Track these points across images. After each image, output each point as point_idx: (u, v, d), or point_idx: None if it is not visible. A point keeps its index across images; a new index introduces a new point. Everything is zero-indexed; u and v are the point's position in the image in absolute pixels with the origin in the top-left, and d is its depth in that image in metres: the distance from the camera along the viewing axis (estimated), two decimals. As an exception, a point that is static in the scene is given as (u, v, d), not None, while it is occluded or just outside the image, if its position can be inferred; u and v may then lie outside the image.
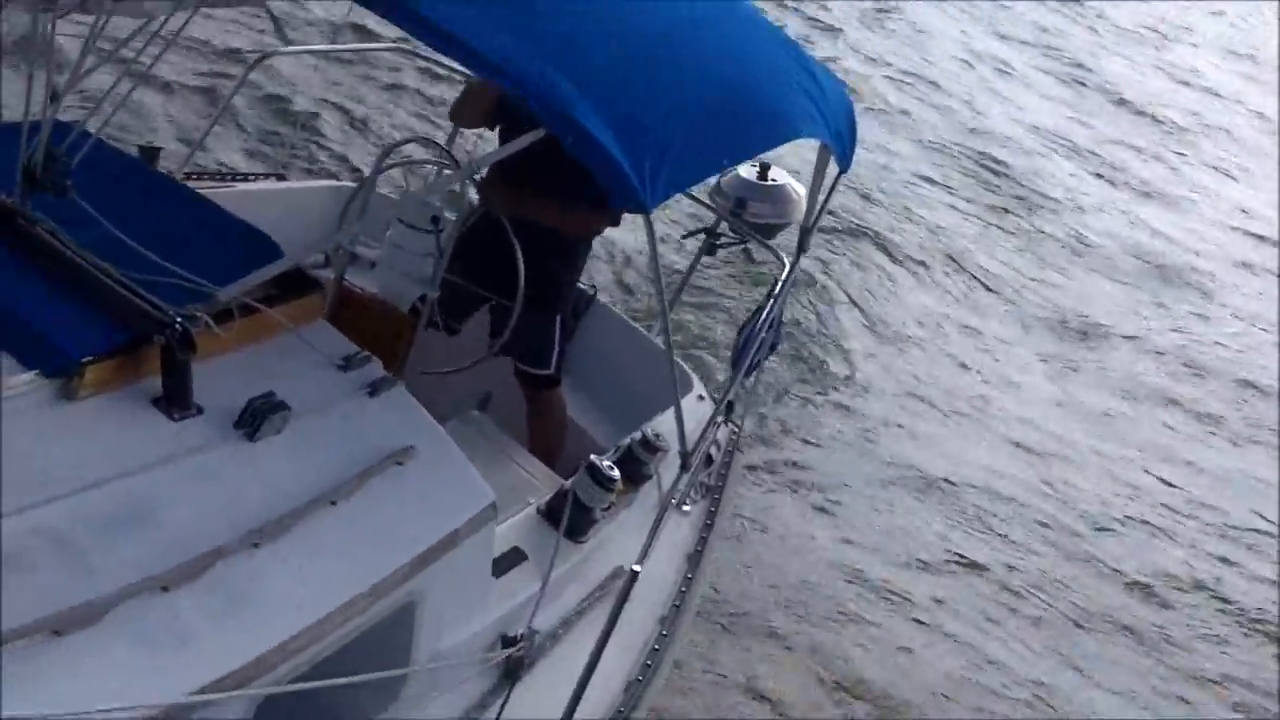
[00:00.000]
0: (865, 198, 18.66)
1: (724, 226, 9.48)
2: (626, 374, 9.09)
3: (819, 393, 14.27)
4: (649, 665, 7.26)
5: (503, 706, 6.10)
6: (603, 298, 9.71)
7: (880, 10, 26.20)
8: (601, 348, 9.29)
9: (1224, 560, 14.04)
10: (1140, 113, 26.55)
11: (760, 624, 10.87)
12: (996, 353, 16.61)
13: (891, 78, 23.41)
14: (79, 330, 5.13)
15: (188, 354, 5.17)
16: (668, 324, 7.04)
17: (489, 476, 6.14)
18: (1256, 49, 33.99)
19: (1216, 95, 29.45)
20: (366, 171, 9.60)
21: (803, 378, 14.36)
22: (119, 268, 5.29)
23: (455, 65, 8.43)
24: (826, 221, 16.05)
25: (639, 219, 6.07)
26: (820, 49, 22.32)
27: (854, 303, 16.14)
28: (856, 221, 17.93)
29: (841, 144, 7.95)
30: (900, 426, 14.29)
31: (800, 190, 9.17)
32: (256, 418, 5.27)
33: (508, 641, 6.27)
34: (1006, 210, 20.40)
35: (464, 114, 8.36)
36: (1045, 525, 13.56)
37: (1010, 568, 12.73)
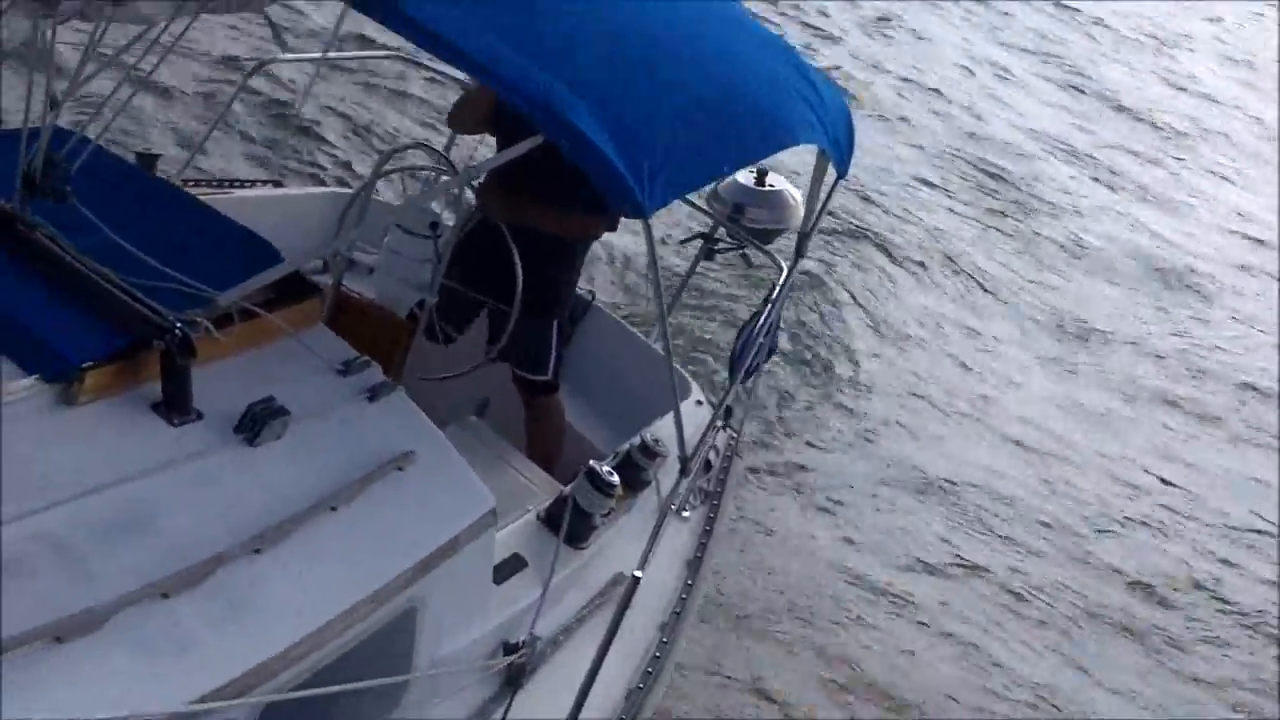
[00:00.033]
0: (866, 200, 18.69)
1: (722, 232, 9.48)
2: (624, 379, 9.09)
3: (821, 394, 14.32)
4: (650, 672, 7.26)
5: (505, 714, 6.11)
6: (600, 302, 9.70)
7: (881, 18, 26.22)
8: (599, 353, 9.29)
9: (1224, 561, 14.09)
10: (1139, 118, 26.58)
11: (764, 625, 10.91)
12: (996, 354, 16.65)
13: (892, 84, 23.42)
14: (79, 335, 5.12)
15: (187, 359, 5.16)
16: (666, 328, 7.03)
17: (487, 483, 6.12)
18: (1253, 55, 34.03)
19: (1214, 101, 29.48)
20: (364, 177, 9.58)
21: (804, 379, 14.39)
22: (119, 273, 5.27)
23: (453, 71, 8.45)
24: (829, 224, 16.29)
25: (635, 224, 6.07)
26: (822, 56, 22.40)
27: (855, 304, 16.16)
28: (858, 224, 17.96)
29: (839, 150, 7.95)
30: (901, 427, 14.33)
31: (797, 196, 9.18)
32: (257, 423, 5.26)
33: (509, 648, 6.27)
34: (1005, 214, 20.42)
35: (462, 120, 8.37)
36: (1046, 525, 13.61)
37: (1012, 569, 12.77)
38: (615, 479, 7.04)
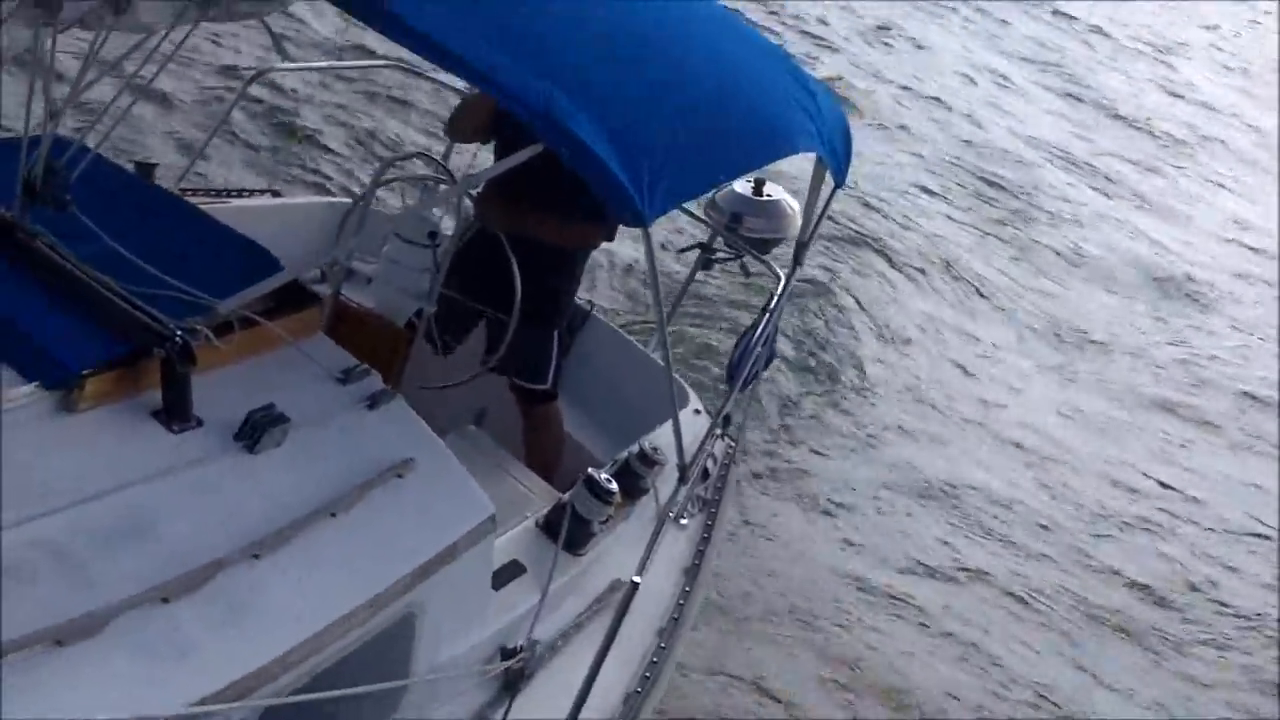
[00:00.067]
0: (867, 207, 18.82)
1: (719, 241, 9.49)
2: (622, 388, 9.10)
3: (821, 398, 14.39)
4: (647, 677, 7.26)
5: (503, 718, 6.12)
6: (599, 311, 9.72)
7: (881, 27, 26.34)
8: (597, 362, 9.30)
9: (1222, 564, 14.16)
10: (1136, 126, 26.71)
11: (767, 627, 10.99)
12: (996, 360, 16.72)
13: (892, 93, 23.51)
14: (79, 343, 5.13)
15: (188, 367, 5.16)
16: (666, 337, 7.05)
17: (486, 492, 6.13)
18: (1250, 62, 34.16)
19: (1211, 108, 29.62)
20: (364, 186, 9.59)
21: (805, 384, 14.47)
22: (119, 281, 5.28)
23: (453, 80, 8.46)
24: (831, 230, 16.47)
25: (634, 232, 6.09)
26: (822, 65, 22.50)
27: (857, 310, 16.26)
28: (860, 231, 18.09)
29: (837, 159, 7.97)
30: (902, 432, 14.41)
31: (795, 205, 9.20)
32: (256, 430, 5.27)
33: (507, 654, 6.29)
34: (1005, 221, 20.55)
35: (460, 128, 8.36)
36: (1045, 528, 13.67)
37: (1011, 571, 12.83)
38: (614, 486, 7.06)
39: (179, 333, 5.17)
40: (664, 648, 7.52)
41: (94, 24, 5.10)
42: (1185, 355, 18.39)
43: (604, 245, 8.76)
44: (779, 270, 8.79)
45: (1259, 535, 14.82)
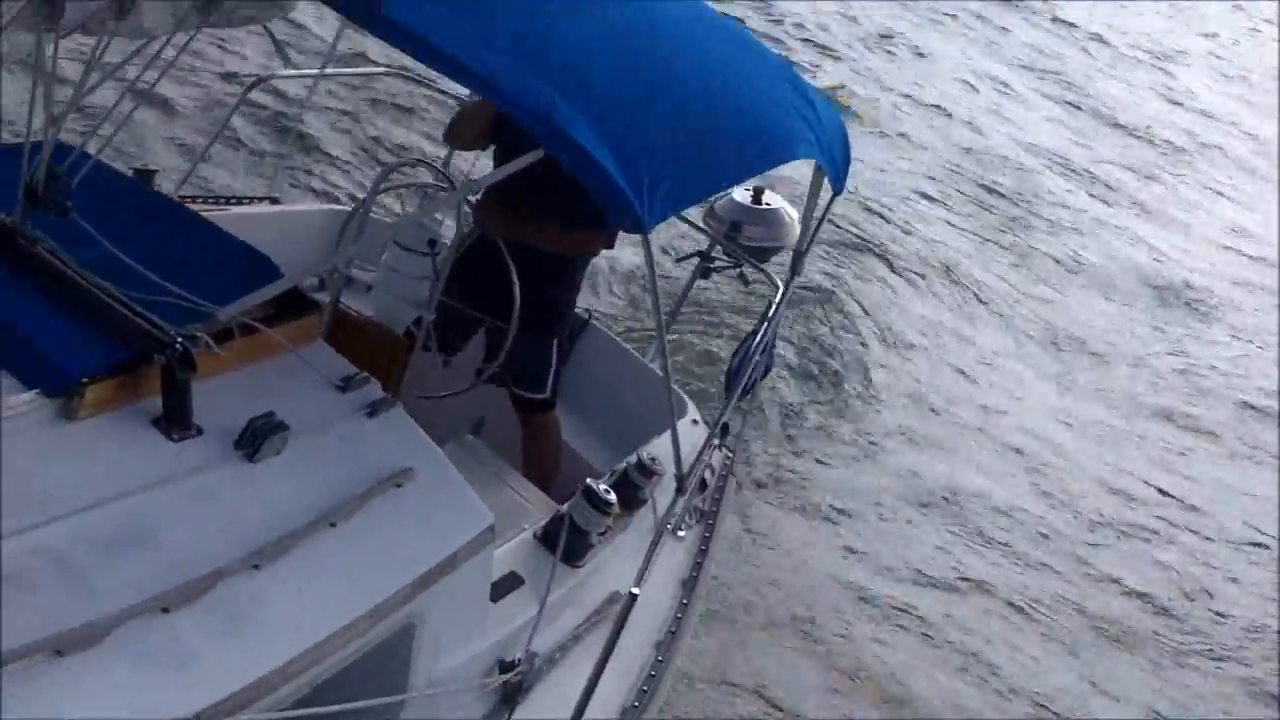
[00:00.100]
0: (869, 214, 18.91)
1: (718, 250, 9.49)
2: (621, 398, 9.09)
3: (823, 406, 14.44)
4: (645, 690, 7.25)
5: None
6: (597, 319, 9.71)
7: (883, 35, 26.43)
8: (596, 372, 9.29)
9: (1221, 573, 14.20)
10: (1136, 134, 26.76)
11: (768, 635, 11.01)
12: (996, 367, 16.81)
13: (894, 100, 23.58)
14: (79, 350, 5.12)
15: (188, 374, 5.15)
16: (665, 346, 7.03)
17: (484, 501, 6.12)
18: (1249, 70, 34.27)
19: (1210, 116, 29.73)
20: (362, 194, 9.58)
21: (806, 391, 14.51)
22: (119, 287, 5.27)
23: (452, 86, 8.45)
24: (834, 236, 16.39)
25: (634, 239, 6.08)
26: (824, 73, 22.62)
27: (858, 317, 16.31)
28: (862, 238, 18.17)
29: (835, 167, 7.98)
30: (903, 440, 14.46)
31: (794, 214, 9.20)
32: (257, 438, 5.26)
33: (505, 666, 6.26)
34: (1004, 229, 20.66)
35: (458, 136, 8.35)
36: (1046, 536, 13.71)
37: (1012, 579, 12.89)
38: (612, 497, 7.02)
39: (179, 339, 5.16)
40: (662, 660, 7.50)
41: (96, 29, 5.10)
42: (1184, 364, 18.49)
43: (606, 251, 8.74)
44: (777, 279, 8.79)
45: (1257, 544, 14.89)
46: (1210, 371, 18.47)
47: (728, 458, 9.29)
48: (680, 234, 12.26)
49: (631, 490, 7.49)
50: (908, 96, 24.02)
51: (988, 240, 20.00)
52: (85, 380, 5.01)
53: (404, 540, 5.55)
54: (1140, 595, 13.30)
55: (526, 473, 8.28)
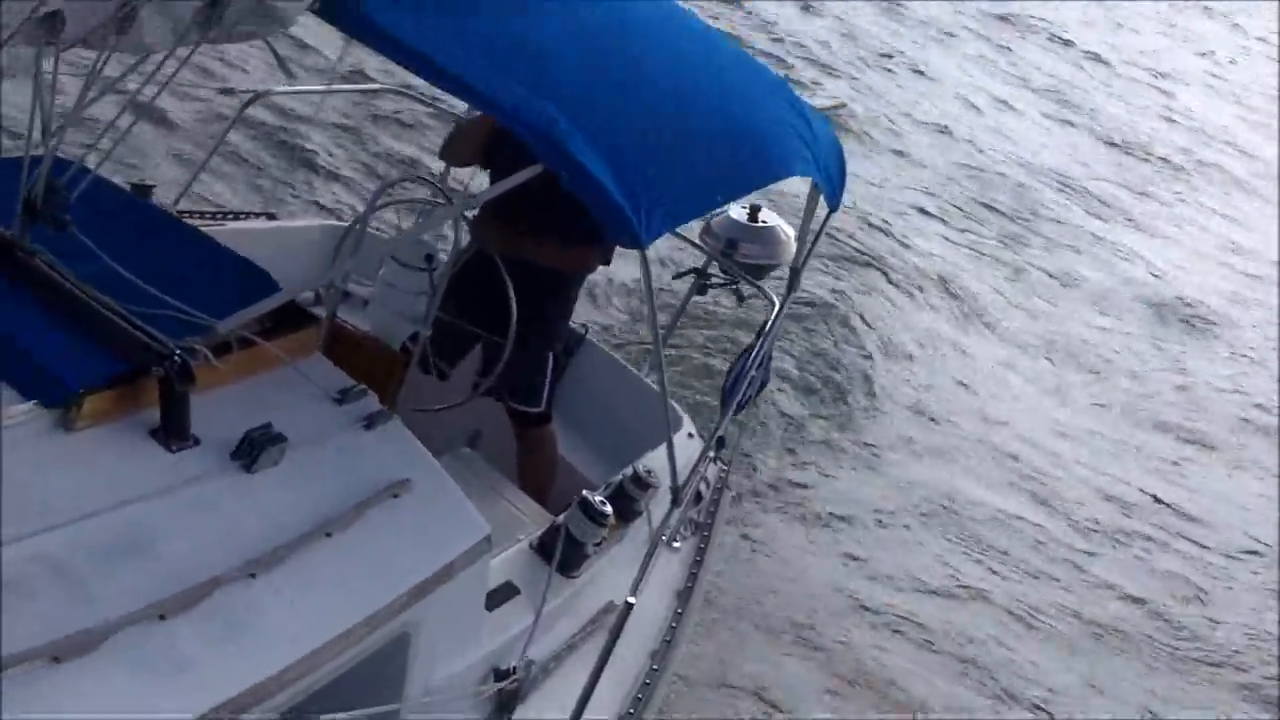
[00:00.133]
0: (869, 231, 19.00)
1: (714, 267, 9.53)
2: (616, 412, 9.12)
3: (824, 416, 14.51)
4: (640, 699, 7.27)
5: None
6: (593, 335, 9.75)
7: (883, 54, 26.52)
8: (591, 386, 9.32)
9: (1219, 580, 14.25)
10: (1132, 151, 26.84)
11: (769, 641, 11.09)
12: (995, 379, 16.91)
13: (892, 117, 23.64)
14: (78, 361, 5.13)
15: (186, 386, 5.17)
16: (662, 360, 7.08)
17: (479, 513, 6.15)
18: (1245, 88, 34.35)
19: (1207, 134, 29.78)
20: (361, 209, 9.62)
21: (807, 401, 14.61)
22: (118, 301, 5.29)
23: (451, 102, 8.48)
24: (835, 251, 16.47)
25: (630, 255, 6.11)
26: (825, 92, 22.69)
27: (863, 329, 16.39)
28: (862, 251, 18.28)
29: (831, 184, 8.03)
30: (904, 449, 14.51)
31: (790, 231, 9.25)
32: (254, 449, 5.27)
33: (501, 674, 6.27)
34: (1004, 245, 20.79)
35: (455, 152, 8.38)
36: (1042, 544, 13.80)
37: (1010, 588, 12.95)
38: (608, 509, 7.02)
39: (178, 352, 5.17)
40: (656, 670, 7.52)
41: (96, 44, 5.12)
42: (1181, 378, 18.58)
43: (599, 270, 8.77)
44: (774, 296, 8.83)
45: (1253, 552, 14.94)
46: (1206, 386, 18.55)
47: (723, 471, 9.32)
48: (678, 246, 12.34)
49: (627, 502, 7.49)
50: (907, 114, 24.11)
51: (985, 255, 20.09)
52: (84, 392, 5.02)
53: (400, 550, 5.58)
54: (1137, 601, 13.38)
55: (522, 485, 8.30)
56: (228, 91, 14.71)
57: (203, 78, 14.79)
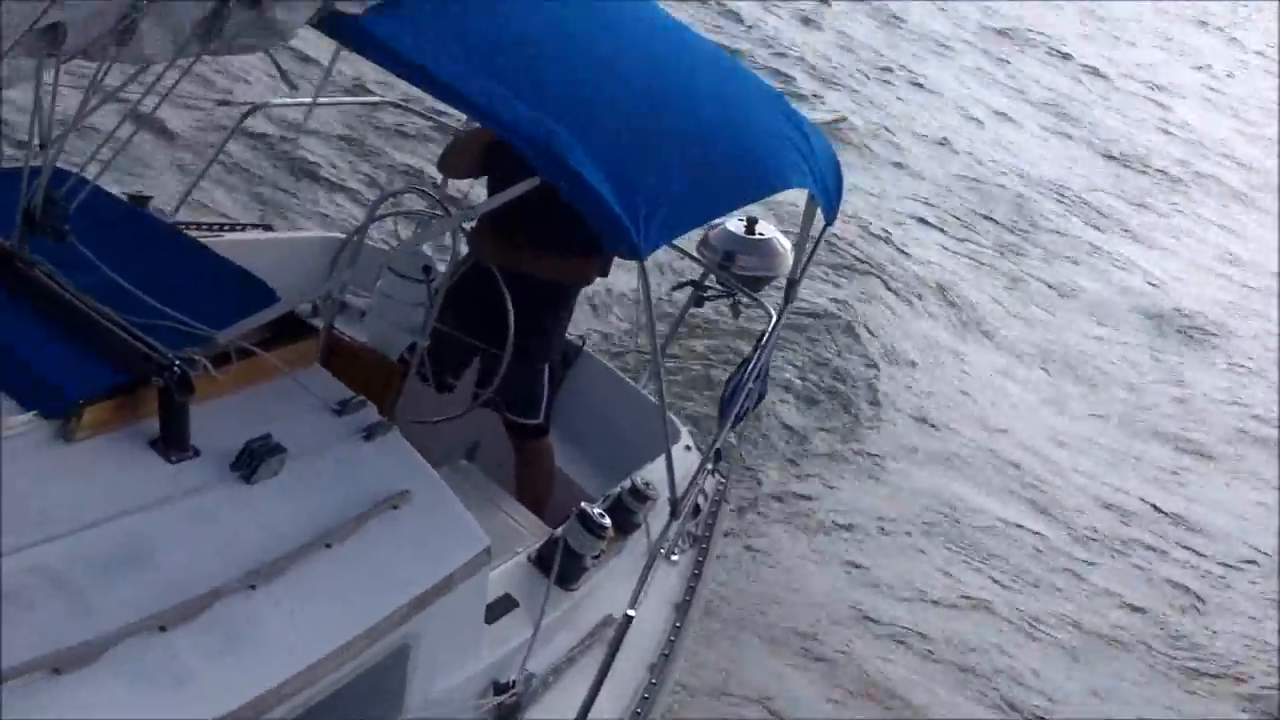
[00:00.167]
0: (874, 236, 19.12)
1: (711, 279, 9.54)
2: (614, 424, 9.11)
3: (827, 425, 14.58)
4: (639, 712, 7.25)
5: None
6: (591, 346, 9.76)
7: (882, 67, 26.59)
8: (589, 398, 9.31)
9: (1219, 589, 14.28)
10: (1130, 163, 26.93)
11: (771, 651, 11.11)
12: (995, 388, 16.96)
13: (891, 129, 23.71)
14: (77, 372, 5.13)
15: (185, 396, 5.17)
16: (661, 372, 7.09)
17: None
18: (1242, 101, 34.44)
19: (1203, 146, 29.88)
20: (360, 220, 9.63)
21: (810, 411, 14.65)
22: (117, 311, 5.29)
23: (449, 113, 8.47)
24: (836, 261, 16.51)
25: (627, 266, 6.12)
26: (825, 105, 22.76)
27: (867, 338, 16.43)
28: (861, 258, 18.33)
29: (828, 196, 8.05)
30: (905, 459, 14.57)
31: (787, 244, 9.26)
32: (254, 460, 5.27)
33: (500, 687, 6.25)
34: (1003, 255, 20.88)
35: (452, 164, 8.38)
36: (1041, 552, 13.85)
37: (1010, 595, 13.01)
38: (607, 521, 7.02)
39: (177, 362, 5.16)
40: (655, 683, 7.50)
41: (97, 55, 5.12)
42: (1179, 388, 18.66)
43: (596, 281, 8.77)
44: (771, 308, 8.83)
45: (1251, 561, 14.98)
46: (1204, 397, 18.59)
47: (720, 483, 9.32)
48: (676, 258, 12.35)
49: (625, 514, 7.48)
50: (906, 127, 24.15)
51: (984, 264, 20.18)
52: (83, 402, 5.02)
53: (400, 562, 5.57)
54: (1137, 610, 13.44)
55: (520, 498, 8.30)
56: (225, 103, 14.72)
57: (204, 89, 14.80)
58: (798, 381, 14.80)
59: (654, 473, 7.66)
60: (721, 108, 7.55)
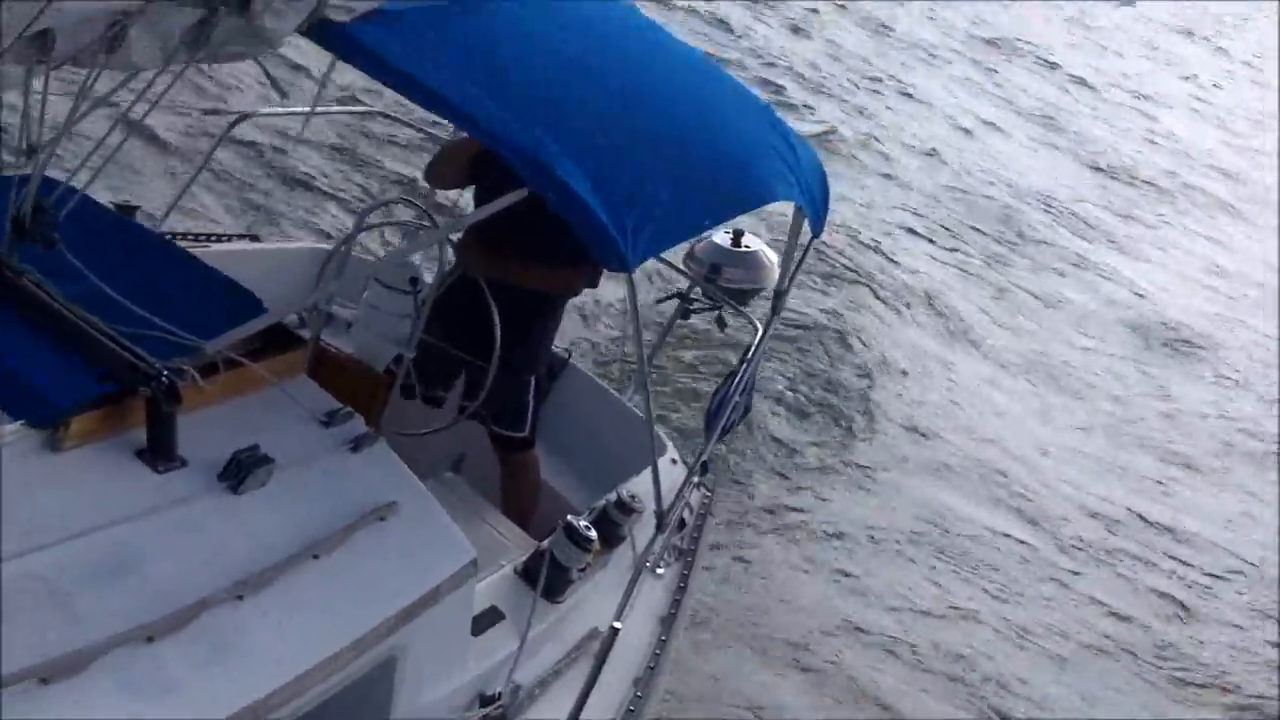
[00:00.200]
0: (865, 246, 19.15)
1: (698, 291, 9.53)
2: (599, 437, 9.09)
3: (816, 437, 14.58)
4: None
5: None
6: (576, 360, 9.75)
7: (871, 77, 26.66)
8: (575, 411, 9.29)
9: (1203, 598, 14.33)
10: (1117, 174, 26.98)
11: (762, 662, 11.11)
12: (982, 398, 16.98)
13: (880, 139, 23.74)
14: (65, 382, 5.13)
15: (173, 406, 5.16)
16: (647, 384, 7.08)
17: None
18: (1230, 112, 34.53)
19: (1190, 157, 29.94)
20: (347, 229, 9.61)
21: (799, 422, 14.65)
22: (105, 321, 5.28)
23: (438, 123, 8.47)
24: (826, 270, 16.56)
25: (615, 276, 6.12)
26: (814, 116, 22.76)
27: (849, 349, 16.45)
28: (849, 267, 18.36)
29: (815, 209, 8.05)
30: (894, 469, 14.57)
31: (773, 257, 9.26)
32: (241, 470, 5.27)
33: (486, 699, 6.25)
34: (991, 266, 20.88)
35: (439, 175, 8.34)
36: (1029, 561, 13.88)
37: (998, 605, 13.02)
38: (593, 534, 7.02)
39: (165, 372, 5.16)
40: (641, 696, 7.50)
41: (86, 62, 5.12)
42: (1165, 400, 18.70)
43: (583, 293, 8.77)
44: (756, 321, 8.84)
45: (1237, 571, 15.05)
46: (1190, 410, 18.62)
47: (706, 496, 9.32)
48: (662, 270, 12.38)
49: (611, 527, 7.49)
50: (894, 136, 24.23)
51: (971, 274, 20.22)
52: (71, 412, 5.03)
53: (387, 573, 5.56)
54: (1124, 619, 13.48)
55: (505, 510, 8.28)
56: (214, 112, 14.72)
57: (195, 96, 14.79)
58: (788, 392, 14.82)
59: (640, 485, 7.66)
60: (709, 119, 7.56)
